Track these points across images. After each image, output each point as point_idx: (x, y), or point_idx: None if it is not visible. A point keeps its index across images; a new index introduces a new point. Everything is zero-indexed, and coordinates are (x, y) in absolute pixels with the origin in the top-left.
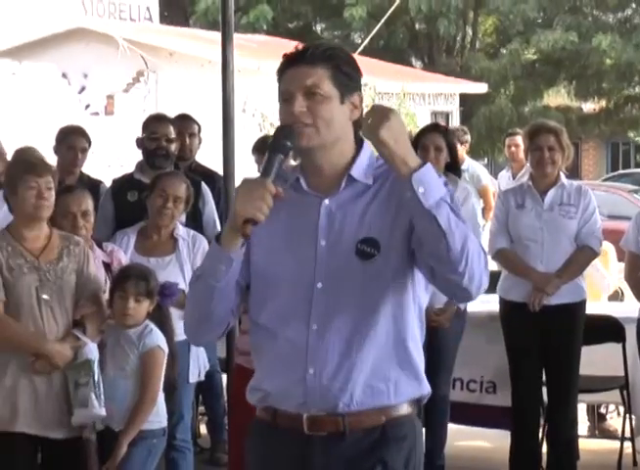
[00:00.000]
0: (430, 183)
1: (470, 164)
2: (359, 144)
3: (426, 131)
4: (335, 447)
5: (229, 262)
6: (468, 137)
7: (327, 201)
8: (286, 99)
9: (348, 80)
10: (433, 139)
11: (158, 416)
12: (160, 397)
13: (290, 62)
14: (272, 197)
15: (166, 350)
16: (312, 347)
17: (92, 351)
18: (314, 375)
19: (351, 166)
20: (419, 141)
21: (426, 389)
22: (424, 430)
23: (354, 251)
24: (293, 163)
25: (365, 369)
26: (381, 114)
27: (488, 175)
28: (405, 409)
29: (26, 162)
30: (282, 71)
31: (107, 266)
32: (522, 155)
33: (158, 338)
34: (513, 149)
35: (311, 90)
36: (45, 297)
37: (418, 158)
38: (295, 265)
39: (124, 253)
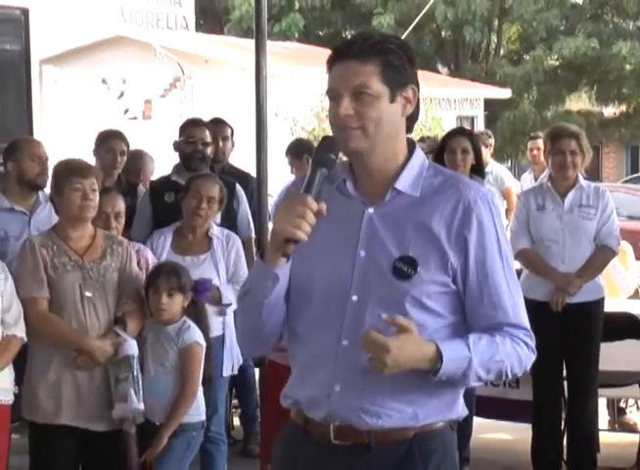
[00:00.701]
0: (451, 372)
1: (494, 167)
2: (411, 145)
3: (452, 135)
4: (360, 459)
5: (275, 278)
6: (492, 141)
7: (371, 209)
8: (332, 97)
9: (399, 75)
10: (459, 142)
11: (197, 410)
12: (199, 391)
13: (338, 55)
14: (314, 214)
15: (204, 345)
16: (340, 363)
17: (132, 347)
18: (340, 393)
19: (399, 176)
20: (445, 144)
21: (456, 413)
22: None
23: (391, 268)
24: (344, 158)
25: (391, 392)
26: (379, 347)
27: (512, 177)
28: (434, 426)
29: (72, 164)
30: (331, 64)
31: None
32: (543, 157)
33: (195, 334)
34: (535, 152)
35: (359, 90)
36: (88, 294)
37: (429, 354)
38: (332, 274)
39: (161, 252)
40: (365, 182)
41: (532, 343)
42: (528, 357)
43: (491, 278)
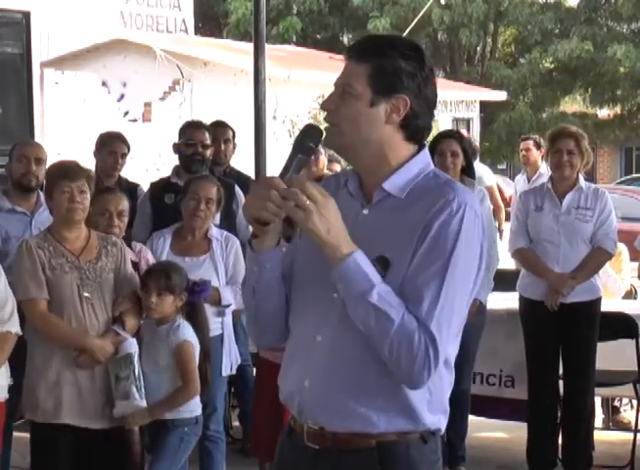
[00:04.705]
0: (349, 278)
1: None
2: (418, 152)
3: (442, 138)
4: (328, 462)
5: (259, 264)
6: (476, 145)
7: (365, 210)
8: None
9: (390, 81)
10: (449, 145)
11: (189, 406)
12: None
13: (346, 53)
14: (287, 195)
15: (196, 343)
16: (312, 359)
17: (132, 345)
18: (308, 388)
19: (388, 178)
20: (436, 147)
21: (423, 424)
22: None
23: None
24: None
25: (357, 394)
26: (314, 190)
27: (493, 176)
28: (396, 437)
29: (60, 167)
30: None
31: (134, 265)
32: (533, 158)
33: (185, 333)
34: (524, 153)
35: (344, 88)
36: (86, 294)
37: (346, 240)
38: (320, 272)
39: (161, 253)
40: (364, 183)
41: (434, 358)
42: (421, 360)
43: (427, 276)
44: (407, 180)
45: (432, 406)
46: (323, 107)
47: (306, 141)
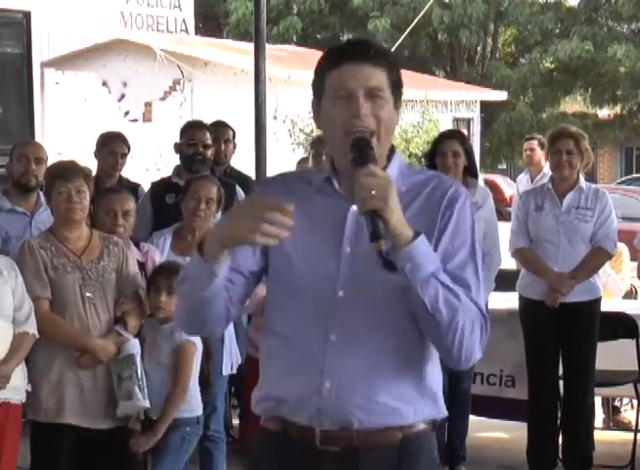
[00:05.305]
0: (418, 258)
1: None
2: (391, 149)
3: (443, 138)
4: (347, 464)
5: (212, 276)
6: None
7: (355, 207)
8: (341, 96)
9: (399, 86)
10: (450, 145)
11: (190, 406)
12: (194, 387)
13: (348, 56)
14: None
15: (198, 343)
16: (330, 359)
17: (134, 345)
18: (330, 389)
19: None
20: (437, 148)
21: (442, 412)
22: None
23: (381, 261)
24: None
25: (383, 387)
26: (386, 184)
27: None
28: (422, 427)
29: (58, 167)
30: (336, 64)
31: (141, 265)
32: (537, 158)
33: None
34: (528, 152)
35: (374, 92)
36: (88, 294)
37: (411, 230)
38: (317, 271)
39: (161, 252)
40: (349, 182)
41: (485, 336)
42: (480, 337)
43: (461, 262)
44: (397, 175)
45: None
46: (362, 115)
47: (371, 150)
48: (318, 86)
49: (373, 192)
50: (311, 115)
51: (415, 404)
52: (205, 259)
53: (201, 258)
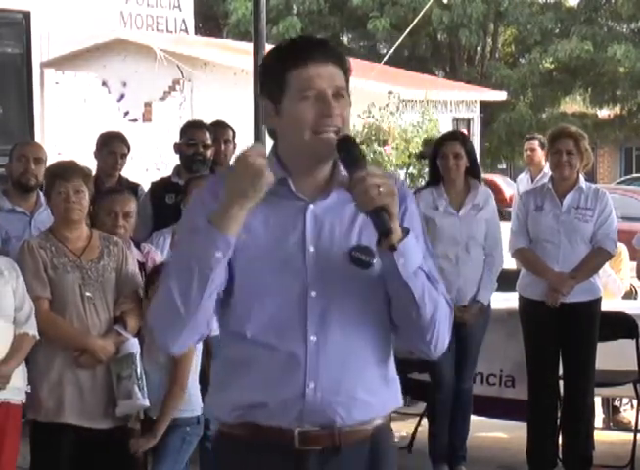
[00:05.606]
0: (410, 253)
1: None
2: None
3: (444, 140)
4: (329, 462)
5: (227, 247)
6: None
7: (312, 205)
8: (309, 96)
9: (349, 86)
10: (451, 147)
11: (190, 405)
12: (194, 387)
13: (314, 56)
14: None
15: (196, 343)
16: (312, 360)
17: (134, 345)
18: (315, 389)
19: (338, 171)
20: (438, 150)
21: (400, 401)
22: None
23: (349, 258)
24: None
25: (359, 383)
26: (389, 180)
27: None
28: (387, 418)
29: (57, 167)
30: (301, 64)
31: (141, 266)
32: (538, 158)
33: None
34: (529, 152)
35: (339, 92)
36: (88, 294)
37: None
38: (284, 273)
39: (161, 252)
40: (305, 182)
41: (451, 317)
42: (451, 326)
43: (424, 258)
44: (341, 171)
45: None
46: (334, 115)
47: (354, 152)
48: (276, 86)
49: (381, 189)
50: None
51: (383, 397)
52: (219, 228)
53: (214, 228)
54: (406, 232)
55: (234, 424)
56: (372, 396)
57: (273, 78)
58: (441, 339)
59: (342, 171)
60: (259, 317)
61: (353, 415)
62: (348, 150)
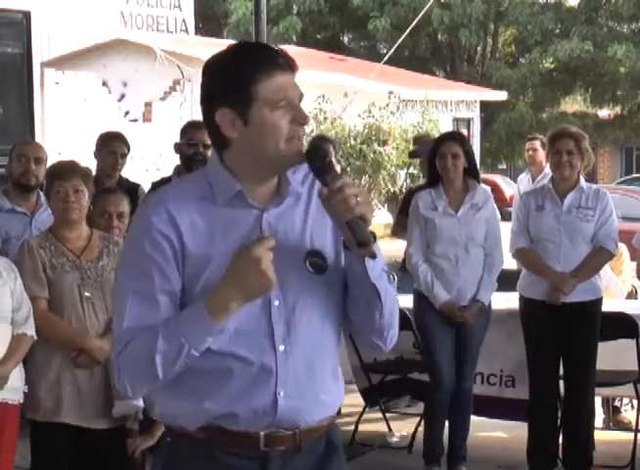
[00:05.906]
0: (378, 255)
1: None
2: None
3: (443, 140)
4: (290, 461)
5: (219, 333)
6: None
7: (266, 214)
8: (283, 106)
9: None
10: (449, 147)
11: None
12: None
13: (282, 66)
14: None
15: None
16: (282, 369)
17: None
18: (285, 397)
19: (285, 175)
20: (437, 150)
21: (343, 396)
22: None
23: (306, 264)
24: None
25: (320, 385)
26: (364, 190)
27: None
28: (335, 415)
29: (56, 167)
30: (269, 74)
31: None
32: (539, 159)
33: None
34: (531, 153)
35: (300, 100)
36: (87, 294)
37: None
38: None
39: None
40: (259, 190)
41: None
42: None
43: None
44: (301, 176)
45: None
46: (307, 123)
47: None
48: (242, 95)
49: (359, 198)
50: (311, 115)
51: (336, 394)
52: (214, 316)
53: (210, 317)
54: (374, 236)
55: (196, 429)
56: (328, 395)
57: (238, 88)
58: (395, 333)
59: (290, 177)
60: (224, 330)
61: (315, 417)
62: (322, 159)
